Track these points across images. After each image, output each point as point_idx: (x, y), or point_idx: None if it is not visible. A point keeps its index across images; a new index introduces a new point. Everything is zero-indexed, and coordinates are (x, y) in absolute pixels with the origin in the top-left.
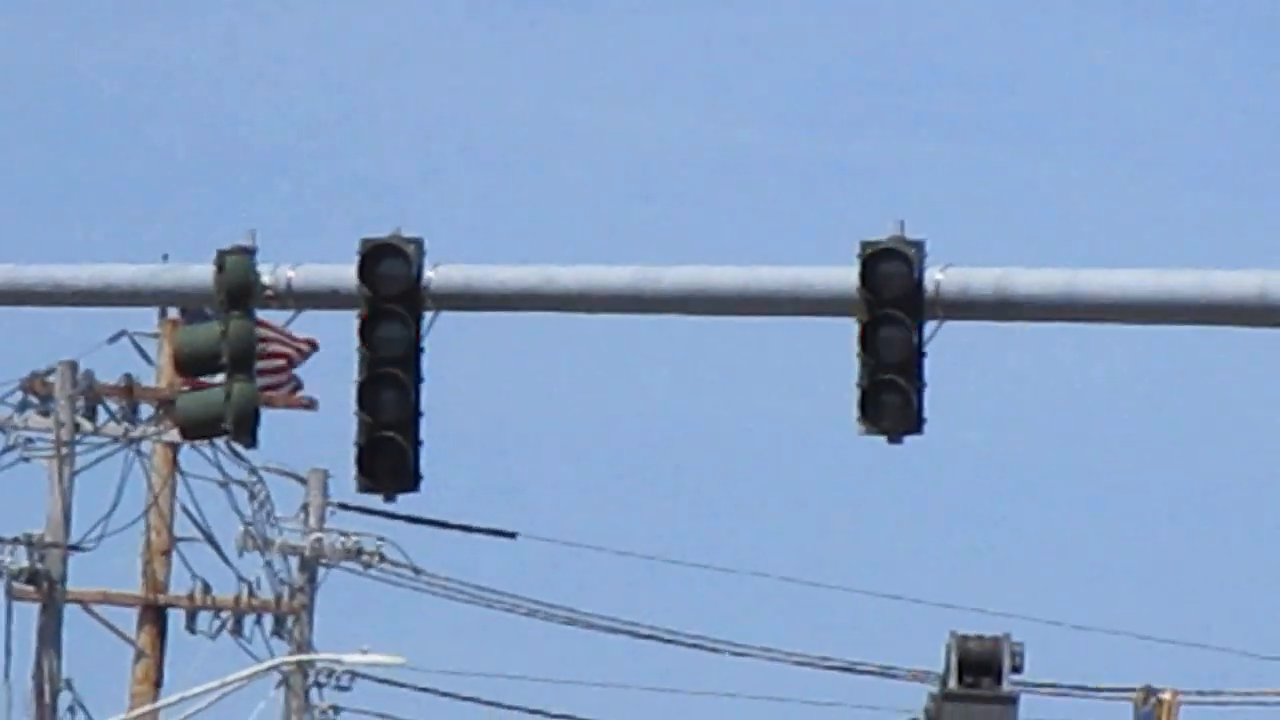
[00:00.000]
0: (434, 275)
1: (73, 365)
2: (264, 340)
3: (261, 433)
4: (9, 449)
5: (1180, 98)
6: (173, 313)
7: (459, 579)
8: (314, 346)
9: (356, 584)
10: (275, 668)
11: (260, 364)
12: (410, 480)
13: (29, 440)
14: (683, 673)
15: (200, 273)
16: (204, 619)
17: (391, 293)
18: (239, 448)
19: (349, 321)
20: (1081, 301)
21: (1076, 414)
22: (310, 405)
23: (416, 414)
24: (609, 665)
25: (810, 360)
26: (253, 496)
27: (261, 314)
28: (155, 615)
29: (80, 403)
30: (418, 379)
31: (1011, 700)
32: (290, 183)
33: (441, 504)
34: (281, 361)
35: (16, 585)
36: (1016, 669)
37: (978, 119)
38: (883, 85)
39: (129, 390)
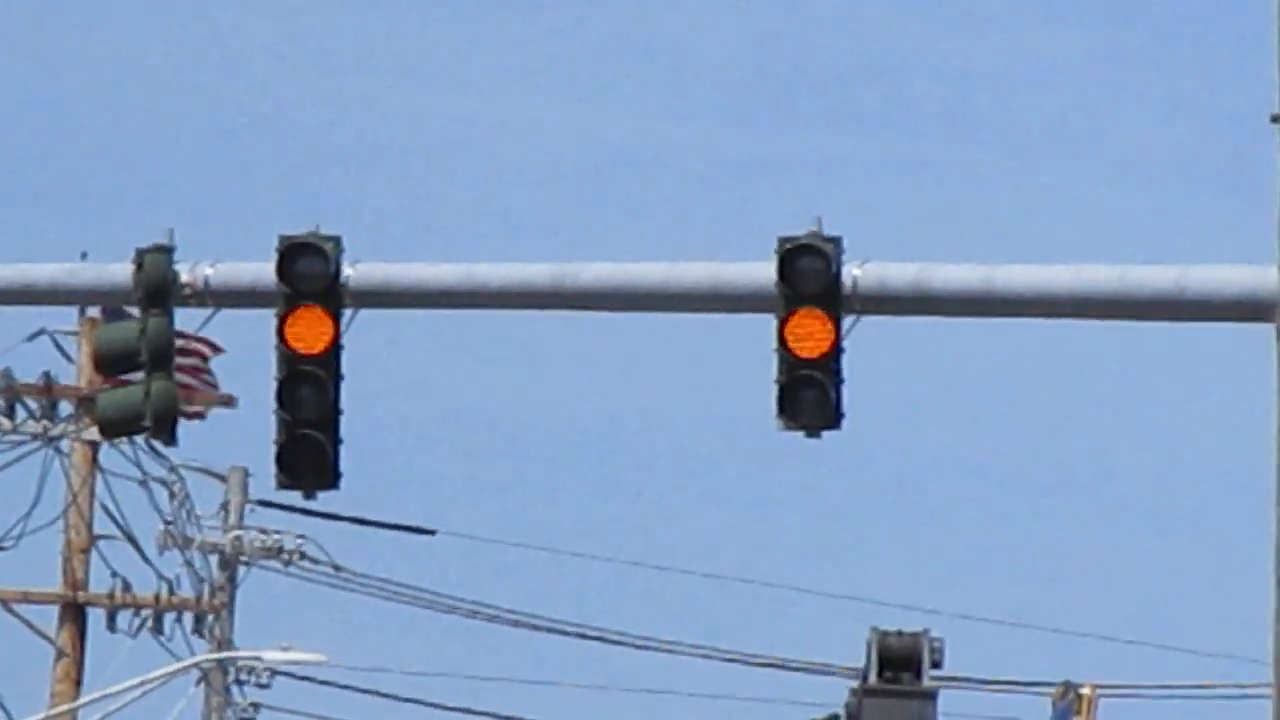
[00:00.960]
0: (352, 272)
1: None
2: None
3: (181, 430)
4: None
5: (1098, 92)
6: (92, 311)
7: (379, 576)
8: (216, 349)
9: (277, 582)
10: (195, 665)
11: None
12: (330, 478)
13: None
14: (606, 669)
15: (119, 271)
16: (124, 617)
17: (310, 290)
18: (158, 445)
19: (267, 319)
20: (999, 296)
21: (995, 409)
22: (228, 402)
23: (336, 411)
24: (531, 662)
25: (729, 356)
26: (172, 495)
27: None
28: (75, 614)
29: None
30: (337, 377)
31: (931, 695)
32: (208, 180)
33: (361, 501)
34: (194, 359)
35: None
36: (936, 664)
37: (895, 114)
38: (800, 81)
39: (48, 388)
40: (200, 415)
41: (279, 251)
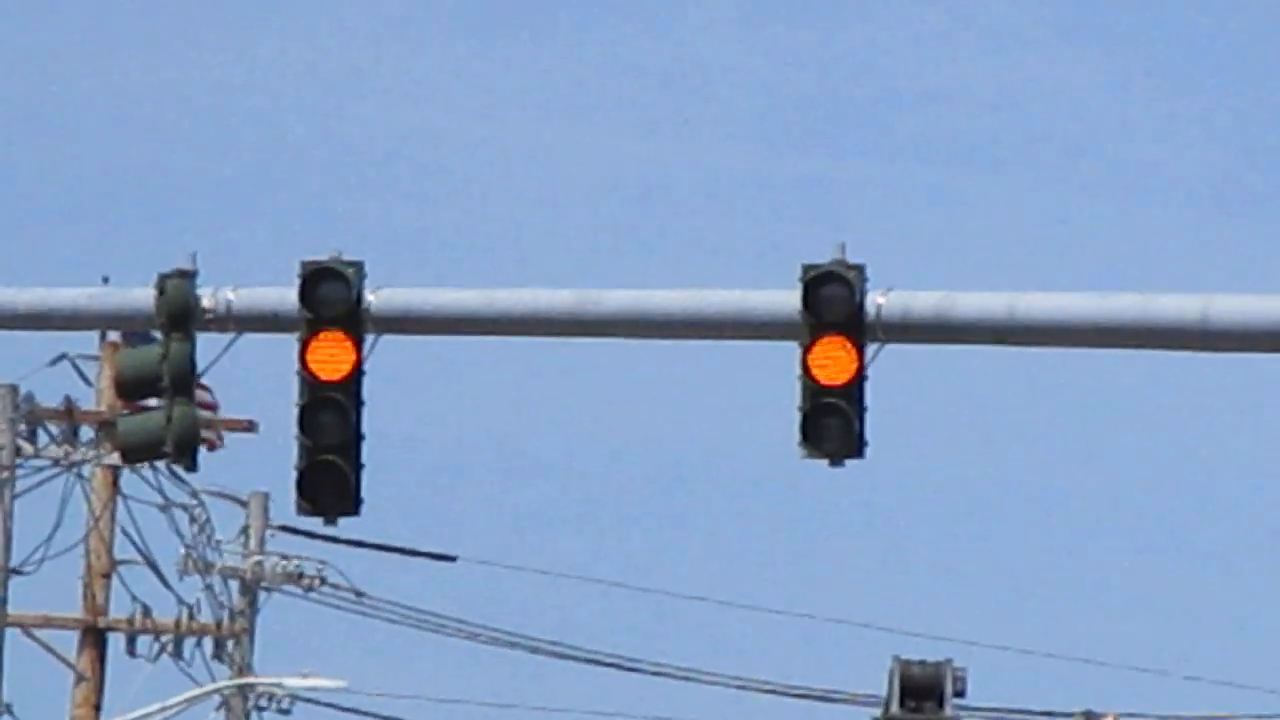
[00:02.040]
0: (374, 298)
1: (13, 388)
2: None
3: (202, 456)
4: None
5: (1123, 120)
6: (113, 335)
7: (400, 602)
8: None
9: (297, 607)
10: (216, 691)
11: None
12: (351, 504)
13: None
14: (626, 697)
15: (141, 296)
16: (144, 642)
17: (332, 315)
18: (179, 470)
19: (289, 344)
20: (1023, 325)
21: (1017, 437)
22: (250, 427)
23: (358, 437)
24: (551, 689)
25: (752, 384)
26: (193, 520)
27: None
28: (95, 638)
29: (20, 426)
30: (359, 402)
31: None
32: (231, 205)
33: (383, 527)
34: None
35: None
36: (959, 693)
37: (920, 142)
38: (825, 107)
39: (69, 413)
40: (215, 444)
41: (301, 277)
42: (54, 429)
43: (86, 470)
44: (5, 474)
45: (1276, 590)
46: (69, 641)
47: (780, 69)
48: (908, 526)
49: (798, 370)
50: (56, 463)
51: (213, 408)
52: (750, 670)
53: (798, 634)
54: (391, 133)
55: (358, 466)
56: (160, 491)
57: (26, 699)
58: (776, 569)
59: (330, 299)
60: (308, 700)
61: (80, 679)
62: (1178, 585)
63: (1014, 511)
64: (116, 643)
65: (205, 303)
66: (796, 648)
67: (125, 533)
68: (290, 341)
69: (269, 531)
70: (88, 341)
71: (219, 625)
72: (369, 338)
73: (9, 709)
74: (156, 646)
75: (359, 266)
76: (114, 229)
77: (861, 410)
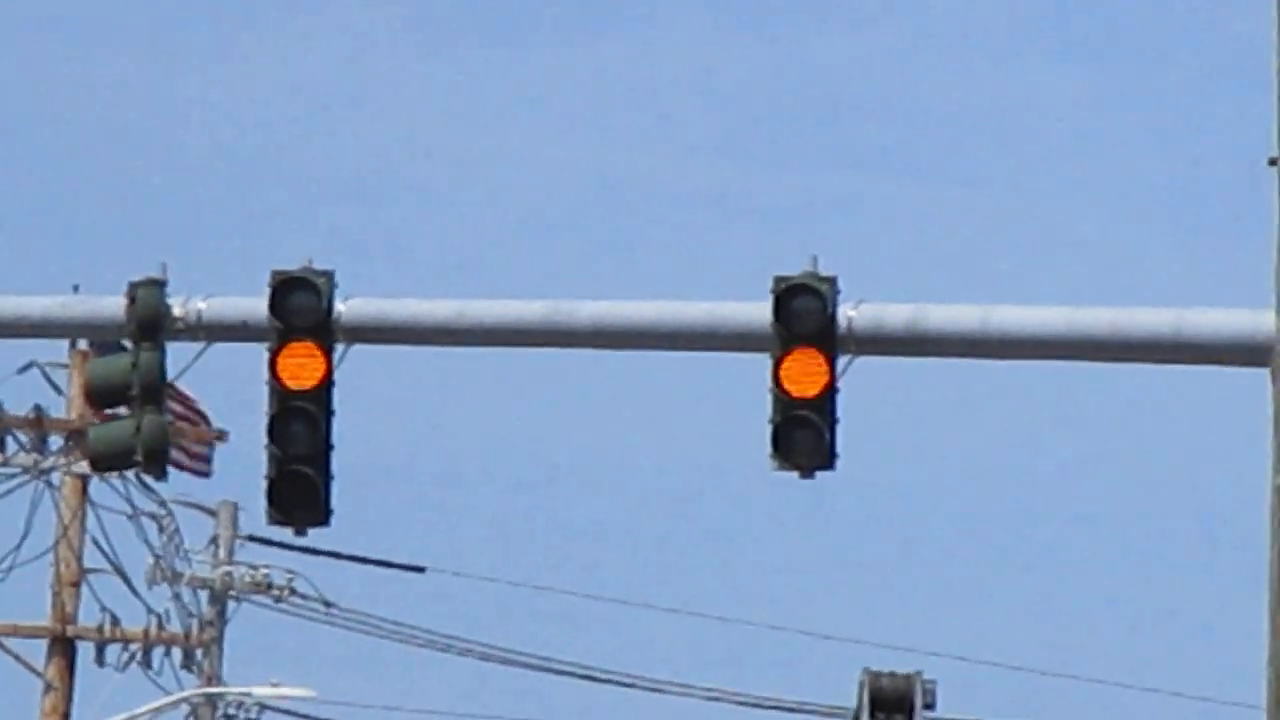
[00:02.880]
0: (345, 308)
1: None
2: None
3: (171, 466)
4: None
5: (1096, 133)
6: (83, 344)
7: (369, 613)
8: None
9: (266, 617)
10: (184, 700)
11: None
12: (321, 514)
13: None
14: (596, 708)
15: (111, 304)
16: (113, 651)
17: (302, 325)
18: (149, 480)
19: (259, 354)
20: (995, 338)
21: (990, 450)
22: (220, 437)
23: (328, 447)
24: (521, 700)
25: (723, 395)
26: (162, 529)
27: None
28: (64, 647)
29: None
30: (329, 412)
31: None
32: (202, 215)
33: (352, 538)
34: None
35: None
36: (929, 705)
37: (892, 154)
38: (796, 120)
39: (39, 421)
40: (221, 436)
41: (271, 286)
42: (23, 437)
43: (56, 479)
44: None
45: (1243, 603)
46: (37, 650)
47: (753, 81)
48: (878, 538)
49: (769, 382)
50: (25, 471)
51: (196, 421)
52: (721, 681)
53: (768, 645)
54: (363, 143)
55: (327, 477)
56: (129, 500)
57: None
58: (747, 580)
59: (301, 309)
60: (276, 710)
61: (49, 688)
62: (1149, 598)
63: (985, 524)
64: (85, 652)
65: (176, 312)
66: (767, 659)
67: (94, 541)
68: (260, 351)
69: (238, 541)
70: (57, 350)
71: (188, 635)
72: (339, 347)
73: None
74: (125, 655)
75: (329, 276)
76: (85, 237)
77: (833, 422)
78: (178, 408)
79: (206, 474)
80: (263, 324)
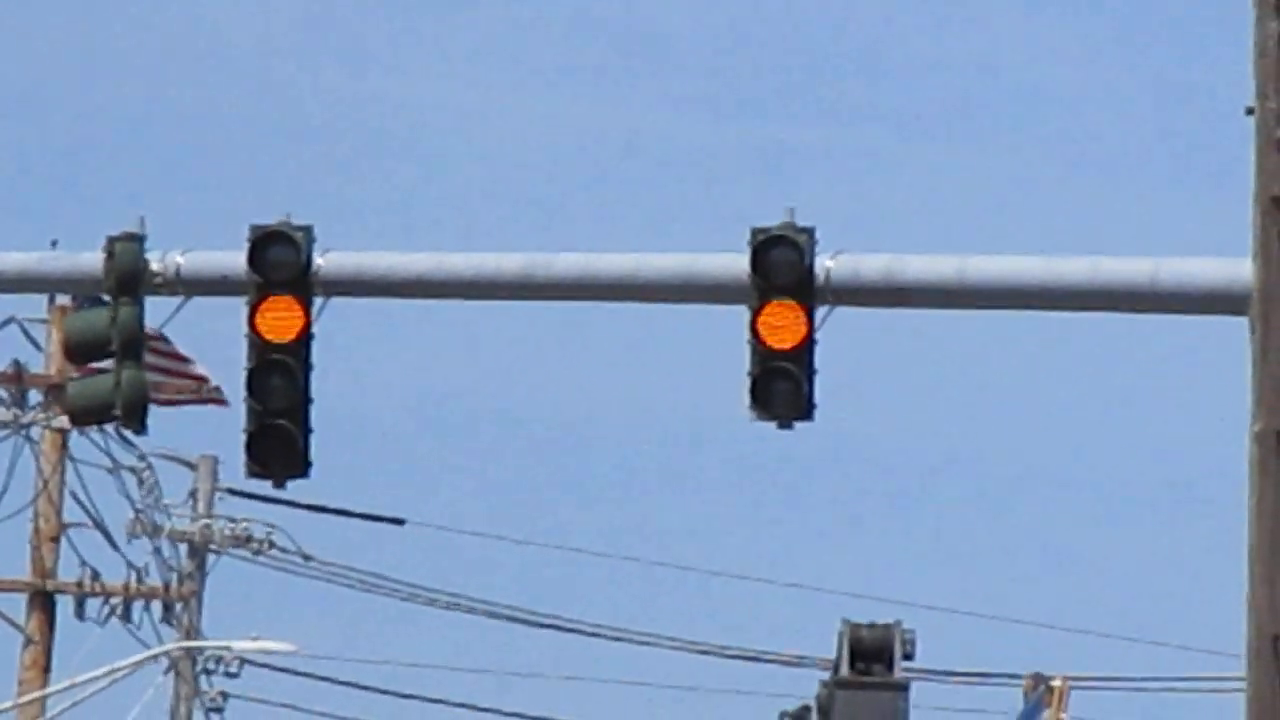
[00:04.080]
0: (323, 262)
1: None
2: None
3: (151, 419)
4: None
5: (1072, 83)
6: (62, 299)
7: (348, 565)
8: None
9: (246, 570)
10: (164, 654)
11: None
12: (300, 467)
13: None
14: (576, 660)
15: (89, 259)
16: (93, 605)
17: (281, 279)
18: (128, 434)
19: (238, 308)
20: (972, 287)
21: (967, 400)
22: (221, 402)
23: (306, 400)
24: (501, 652)
25: (700, 347)
26: (142, 483)
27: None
28: (44, 602)
29: None
30: (307, 366)
31: (903, 687)
32: (180, 169)
33: (331, 490)
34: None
35: None
36: (908, 656)
37: (868, 104)
38: (773, 70)
39: (18, 376)
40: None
41: (250, 240)
42: (2, 392)
43: (35, 433)
44: None
45: (1228, 551)
46: (17, 605)
47: (730, 32)
48: (857, 489)
49: (747, 334)
50: (5, 425)
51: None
52: (700, 633)
53: (746, 597)
54: (341, 96)
55: (306, 430)
56: (109, 454)
57: None
58: (725, 532)
59: (279, 262)
60: (256, 663)
61: (29, 642)
62: (1129, 547)
63: (963, 474)
64: (65, 606)
65: (154, 266)
66: (745, 611)
67: (74, 496)
68: (239, 305)
69: (217, 494)
70: (36, 305)
71: (168, 588)
72: (318, 301)
73: None
74: (105, 610)
75: (308, 230)
76: (62, 192)
77: (811, 373)
78: (169, 364)
79: (225, 401)
80: (241, 278)
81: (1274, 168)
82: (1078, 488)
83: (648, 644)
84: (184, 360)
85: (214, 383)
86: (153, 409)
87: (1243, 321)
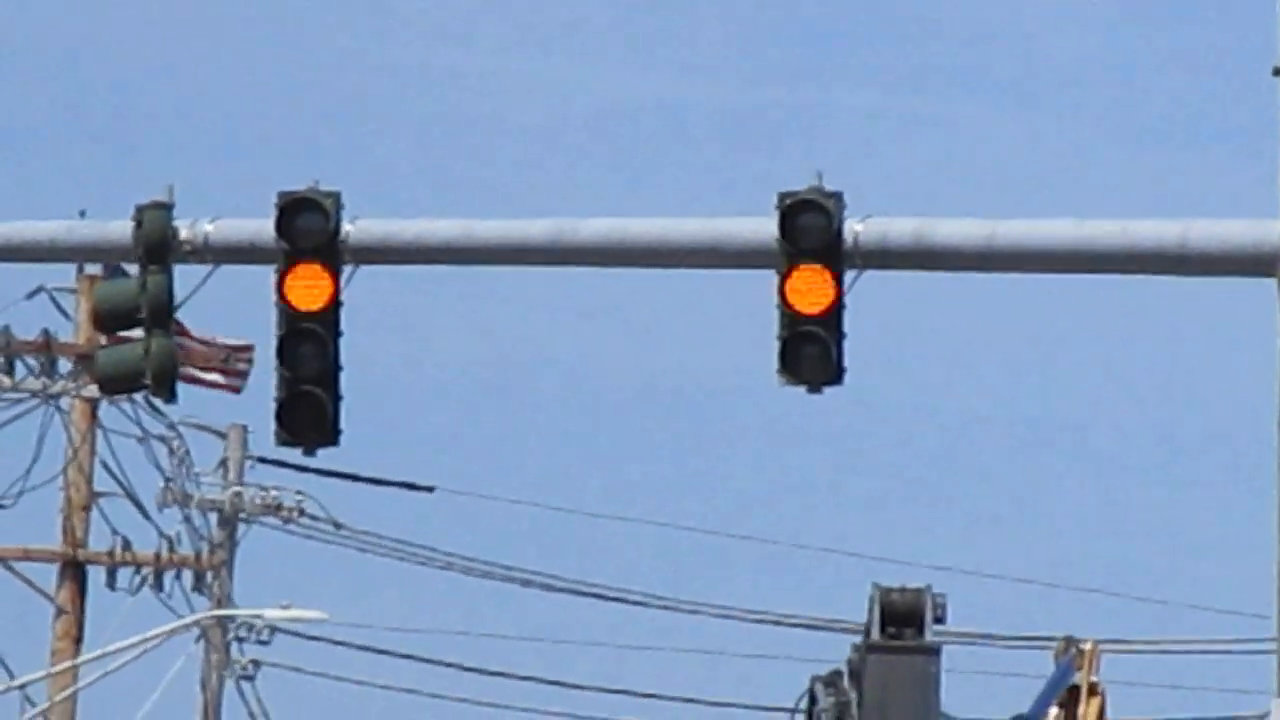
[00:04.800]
0: (352, 229)
1: None
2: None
3: (180, 388)
4: None
5: (1101, 45)
6: (91, 268)
7: (378, 533)
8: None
9: (276, 539)
10: (195, 623)
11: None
12: (330, 434)
13: None
14: (605, 626)
15: (118, 228)
16: (124, 575)
17: (309, 246)
18: (158, 403)
19: (267, 276)
20: (1001, 251)
21: (997, 364)
22: (234, 390)
23: (336, 368)
24: (529, 619)
25: (730, 312)
26: (172, 452)
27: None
28: (75, 572)
29: None
30: (336, 333)
31: (934, 651)
32: (208, 137)
33: (361, 458)
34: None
35: None
36: (939, 620)
37: (898, 68)
38: (801, 35)
39: (47, 346)
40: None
41: (278, 208)
42: (32, 362)
43: (65, 403)
44: None
45: (1257, 514)
46: (48, 574)
47: None
48: (887, 453)
49: (775, 298)
50: (34, 395)
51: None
52: (729, 598)
53: (777, 561)
54: (370, 63)
55: (336, 397)
56: (139, 424)
57: (6, 632)
58: (755, 496)
59: (308, 230)
60: (287, 631)
61: (60, 612)
62: (1158, 510)
63: (994, 437)
64: (96, 575)
65: (182, 235)
66: (776, 575)
67: (104, 465)
68: (268, 273)
69: (248, 463)
70: (65, 274)
71: (198, 557)
72: (347, 268)
73: None
74: (136, 579)
75: (336, 197)
76: (91, 161)
77: (840, 338)
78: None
79: (239, 389)
80: (270, 246)
81: None
82: (1108, 451)
83: (678, 609)
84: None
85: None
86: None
87: (1271, 283)
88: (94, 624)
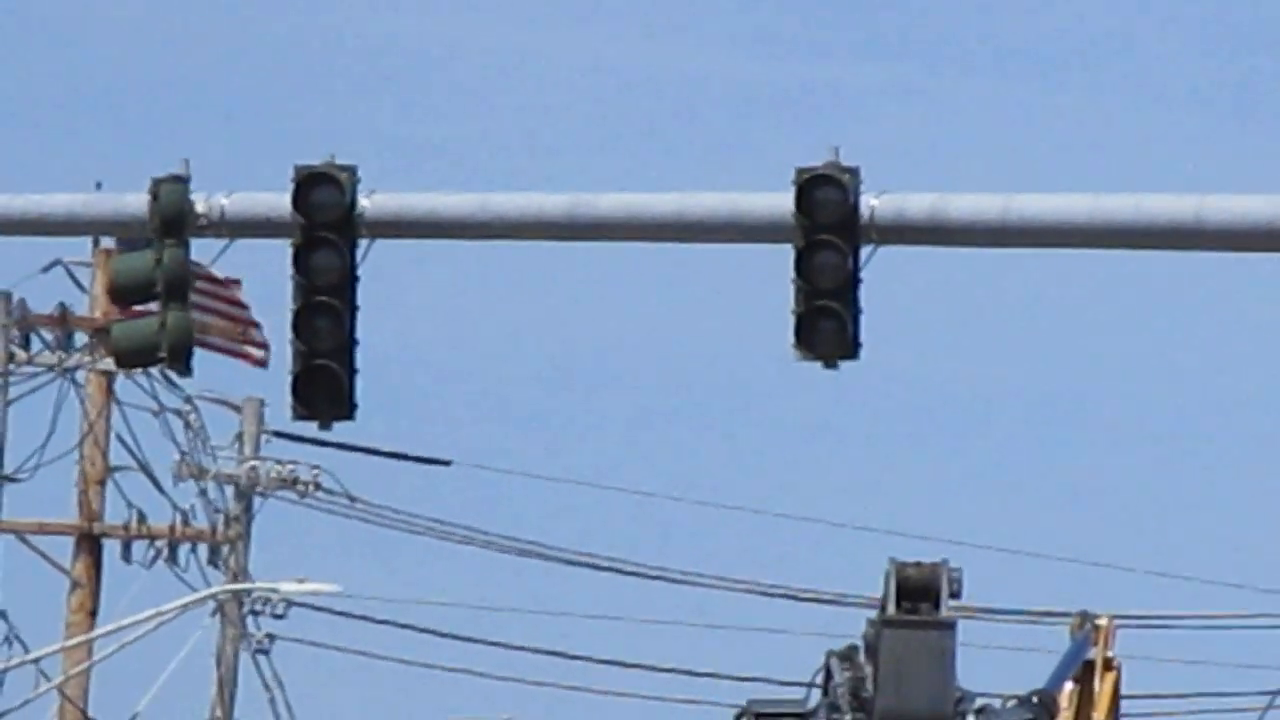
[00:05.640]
0: (368, 203)
1: (6, 295)
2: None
3: (196, 361)
4: None
5: (1117, 19)
6: (107, 242)
7: (394, 507)
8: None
9: (292, 512)
10: (211, 597)
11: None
12: (346, 408)
13: None
14: (620, 600)
15: (135, 201)
16: (139, 548)
17: (325, 221)
18: (174, 376)
19: (283, 250)
20: (1017, 226)
21: (1012, 338)
22: (262, 363)
23: (352, 342)
24: (546, 593)
25: (746, 286)
26: (188, 425)
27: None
28: (90, 545)
29: (14, 332)
30: (353, 307)
31: (950, 626)
32: (224, 110)
33: (377, 432)
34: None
35: None
36: (955, 594)
37: (914, 43)
38: (818, 9)
39: (63, 319)
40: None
41: (294, 182)
42: (48, 335)
43: (81, 376)
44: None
45: (1271, 489)
46: (64, 548)
47: None
48: (903, 428)
49: (791, 273)
50: (50, 369)
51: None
52: (744, 572)
53: (793, 536)
54: (384, 37)
55: (352, 371)
56: (154, 397)
57: (21, 605)
58: (771, 471)
59: (324, 204)
60: (302, 605)
61: (75, 585)
62: (1173, 484)
63: (1009, 412)
64: (112, 549)
65: (199, 208)
66: (792, 550)
67: (120, 439)
68: (284, 247)
69: (263, 436)
70: (81, 247)
71: (214, 531)
72: (363, 242)
73: (4, 615)
74: (152, 552)
75: (352, 171)
76: (107, 134)
77: (855, 313)
78: (224, 307)
79: (265, 363)
80: (286, 219)
81: None
82: (1124, 425)
83: (693, 583)
84: (239, 306)
85: (263, 339)
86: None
87: None
88: (109, 598)
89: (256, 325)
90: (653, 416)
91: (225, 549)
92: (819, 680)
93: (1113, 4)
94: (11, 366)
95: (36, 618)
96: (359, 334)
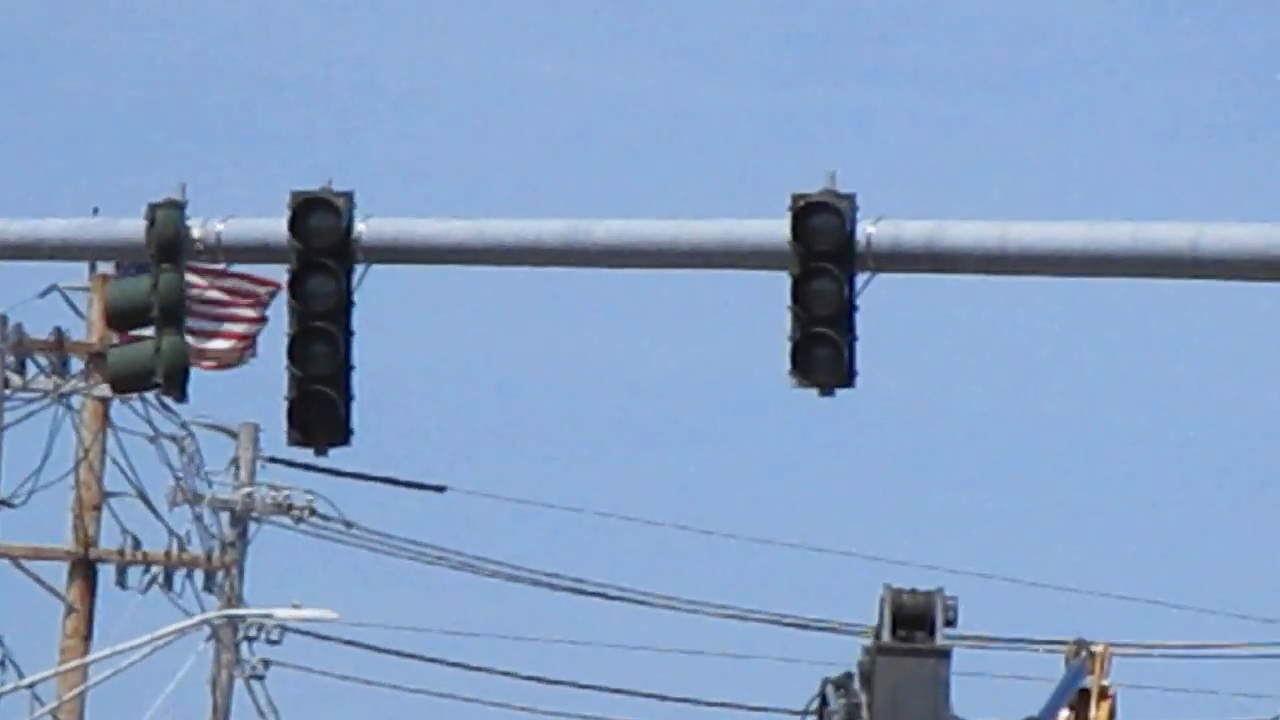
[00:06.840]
0: (364, 228)
1: (2, 319)
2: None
3: (192, 387)
4: None
5: (1114, 47)
6: (103, 266)
7: (390, 533)
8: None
9: (287, 538)
10: (205, 622)
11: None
12: (341, 434)
13: None
14: (615, 627)
15: (131, 226)
16: (134, 574)
17: (322, 246)
18: (169, 402)
19: (279, 275)
20: (1014, 254)
21: (1009, 366)
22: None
23: (348, 367)
24: (541, 619)
25: (742, 313)
26: (183, 451)
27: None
28: (85, 570)
29: (10, 357)
30: (348, 332)
31: (945, 654)
32: (221, 136)
33: (372, 458)
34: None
35: None
36: (950, 622)
37: (911, 70)
38: (813, 36)
39: (59, 344)
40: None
41: (291, 207)
42: (43, 360)
43: (76, 401)
44: None
45: (1270, 518)
46: (59, 573)
47: None
48: (898, 456)
49: (787, 300)
50: (46, 394)
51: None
52: (740, 599)
53: (789, 563)
54: (381, 63)
55: (348, 397)
56: (150, 423)
57: (16, 630)
58: (767, 499)
59: (320, 229)
60: (297, 631)
61: (70, 610)
62: (1170, 514)
63: (1005, 440)
64: (106, 574)
65: (195, 233)
66: (787, 577)
67: (115, 464)
68: (280, 272)
69: (259, 462)
70: (78, 272)
71: (209, 556)
72: (359, 268)
73: None
74: (146, 578)
75: (349, 197)
76: (103, 160)
77: (852, 340)
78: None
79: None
80: (282, 245)
81: None
82: (1120, 453)
83: (690, 611)
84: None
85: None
86: (195, 373)
87: None
88: (104, 623)
89: (272, 286)
90: (649, 443)
91: (220, 574)
92: (814, 708)
93: (1111, 32)
94: (7, 391)
95: (31, 643)
96: (355, 359)
